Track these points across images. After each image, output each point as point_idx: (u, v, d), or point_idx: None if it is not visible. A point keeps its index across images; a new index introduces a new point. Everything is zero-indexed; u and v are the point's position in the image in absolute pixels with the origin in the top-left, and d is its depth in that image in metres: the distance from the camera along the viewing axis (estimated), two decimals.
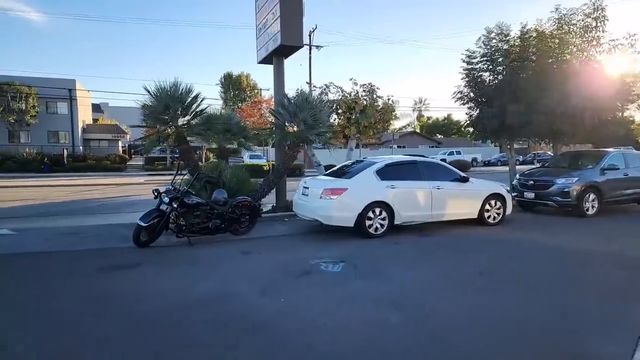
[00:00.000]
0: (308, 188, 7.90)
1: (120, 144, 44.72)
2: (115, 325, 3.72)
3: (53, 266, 5.72)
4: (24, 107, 34.08)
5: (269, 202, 10.50)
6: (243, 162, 29.07)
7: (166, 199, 6.95)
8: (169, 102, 8.60)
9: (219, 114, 10.20)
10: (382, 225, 7.57)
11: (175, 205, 6.94)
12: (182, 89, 8.88)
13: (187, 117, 9.13)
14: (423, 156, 9.23)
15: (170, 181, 7.44)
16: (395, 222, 7.71)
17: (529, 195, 10.64)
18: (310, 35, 37.49)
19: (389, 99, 12.97)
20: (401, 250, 6.77)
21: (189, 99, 9.03)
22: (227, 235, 7.63)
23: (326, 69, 70.01)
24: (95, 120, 52.20)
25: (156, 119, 8.86)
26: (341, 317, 3.95)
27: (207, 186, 8.50)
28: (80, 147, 38.97)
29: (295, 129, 9.69)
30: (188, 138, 9.91)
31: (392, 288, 4.84)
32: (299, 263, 5.84)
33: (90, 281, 5.01)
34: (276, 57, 10.41)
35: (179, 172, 7.76)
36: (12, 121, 34.08)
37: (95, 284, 4.89)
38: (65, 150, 34.16)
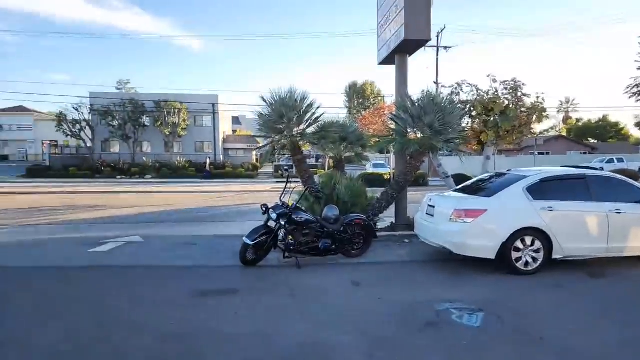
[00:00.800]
0: (434, 207, 6.52)
1: (253, 153, 48.29)
2: None
3: (151, 286, 5.46)
4: (177, 121, 38.99)
5: (387, 216, 9.29)
6: (365, 171, 28.36)
7: (274, 215, 6.38)
8: (283, 111, 8.13)
9: (335, 121, 9.45)
10: (534, 260, 5.79)
11: (282, 222, 6.31)
12: (297, 96, 8.36)
13: (302, 126, 8.56)
14: (592, 168, 7.04)
15: (280, 195, 6.86)
16: (554, 256, 5.85)
17: None
18: (438, 36, 35.30)
19: (537, 97, 10.61)
20: (566, 298, 4.97)
21: (304, 107, 8.45)
22: (338, 257, 6.73)
23: (455, 74, 65.55)
24: (234, 131, 57.70)
25: (271, 128, 8.48)
26: None
27: (321, 201, 7.76)
28: (221, 156, 43.10)
29: (418, 135, 8.38)
30: (309, 146, 9.46)
31: None
32: (422, 307, 4.57)
33: (179, 310, 4.52)
34: (399, 55, 9.25)
35: (289, 180, 7.18)
36: (168, 133, 39.25)
37: (182, 315, 4.38)
38: (208, 159, 38.10)
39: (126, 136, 38.41)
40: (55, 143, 47.09)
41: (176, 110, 38.86)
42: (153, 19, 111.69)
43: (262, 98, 8.44)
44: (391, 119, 9.12)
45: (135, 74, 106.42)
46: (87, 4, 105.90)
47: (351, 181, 8.61)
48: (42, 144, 49.39)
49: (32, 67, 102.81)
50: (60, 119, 37.09)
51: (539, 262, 5.78)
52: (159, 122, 38.53)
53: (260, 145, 9.23)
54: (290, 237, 6.35)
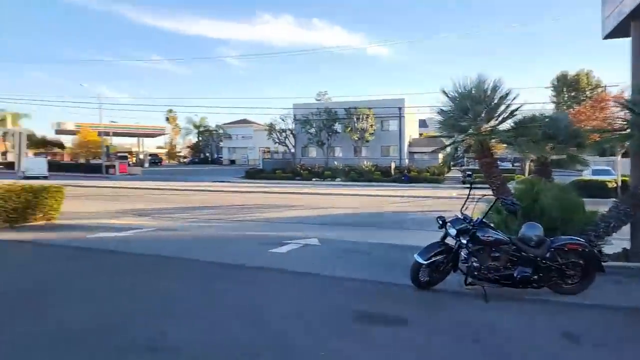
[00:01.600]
0: None
1: (440, 156, 46.11)
2: None
3: (313, 300, 5.13)
4: (365, 126, 40.39)
5: (616, 238, 6.81)
6: (580, 177, 23.21)
7: (452, 231, 5.30)
8: (468, 104, 6.89)
9: (538, 115, 7.60)
10: None
11: (464, 241, 5.17)
12: (486, 87, 7.00)
13: (492, 122, 7.12)
14: None
15: (461, 206, 5.70)
16: None
17: None
18: None
19: None
20: None
21: (496, 99, 7.01)
22: (542, 291, 5.13)
23: None
24: (420, 134, 56.47)
25: (452, 126, 7.33)
26: None
27: (516, 215, 6.19)
28: (406, 160, 42.68)
29: None
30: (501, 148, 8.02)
31: None
32: None
33: (333, 335, 3.97)
34: (636, 22, 6.81)
35: (472, 187, 5.94)
36: (356, 139, 41.03)
37: (334, 342, 3.82)
38: (393, 163, 38.19)
39: (321, 142, 41.84)
40: (268, 149, 55.26)
41: (364, 117, 40.27)
42: (349, 34, 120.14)
43: (443, 91, 7.37)
44: (624, 106, 6.76)
45: (333, 84, 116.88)
46: (297, 27, 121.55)
47: (561, 190, 6.68)
48: (259, 150, 58.92)
49: (254, 85, 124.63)
50: (270, 128, 43.16)
51: None
52: (349, 129, 40.64)
53: (444, 145, 8.14)
54: (474, 259, 5.16)
